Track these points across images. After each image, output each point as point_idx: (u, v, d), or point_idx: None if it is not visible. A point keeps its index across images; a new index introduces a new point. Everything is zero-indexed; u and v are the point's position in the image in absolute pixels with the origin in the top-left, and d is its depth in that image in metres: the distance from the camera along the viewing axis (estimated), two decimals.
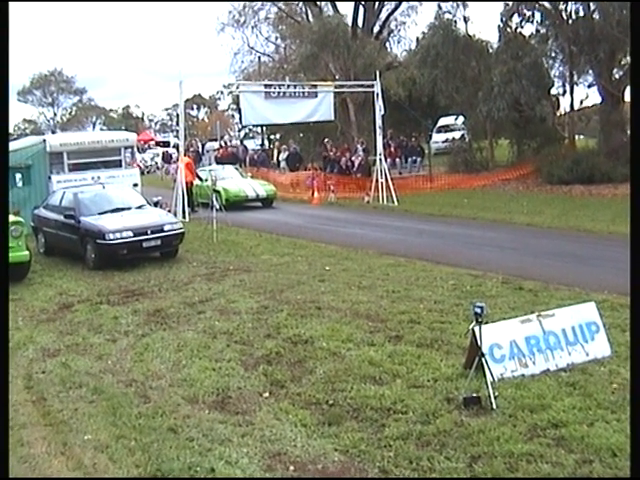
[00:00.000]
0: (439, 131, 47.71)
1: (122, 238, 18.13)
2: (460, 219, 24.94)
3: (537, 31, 35.57)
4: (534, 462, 6.92)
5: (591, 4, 32.23)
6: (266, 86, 31.68)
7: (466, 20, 38.71)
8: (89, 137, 31.36)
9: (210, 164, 42.85)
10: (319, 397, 8.83)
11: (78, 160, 26.27)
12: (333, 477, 7.04)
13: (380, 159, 31.36)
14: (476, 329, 8.55)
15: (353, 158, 38.01)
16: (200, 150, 52.15)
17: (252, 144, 58.47)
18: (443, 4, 40.16)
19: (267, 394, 9.10)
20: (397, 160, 42.17)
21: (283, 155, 43.77)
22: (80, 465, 7.50)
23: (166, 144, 70.47)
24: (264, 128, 54.74)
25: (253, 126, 56.73)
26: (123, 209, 19.66)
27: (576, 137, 38.39)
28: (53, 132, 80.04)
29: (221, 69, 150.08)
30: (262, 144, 55.72)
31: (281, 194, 33.69)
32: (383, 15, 47.66)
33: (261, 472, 7.14)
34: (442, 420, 7.94)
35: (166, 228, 18.84)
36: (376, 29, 46.92)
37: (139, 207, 20.15)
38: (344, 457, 7.33)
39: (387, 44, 50.18)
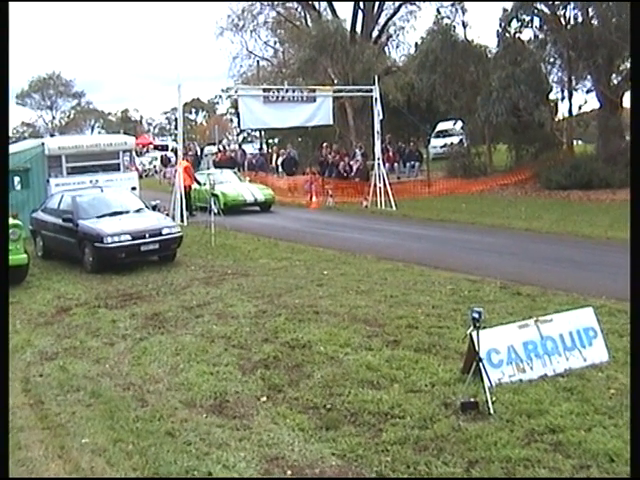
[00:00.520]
0: (437, 136, 47.67)
1: (120, 242, 18.13)
2: (458, 224, 24.94)
3: (536, 36, 35.63)
4: (531, 467, 6.93)
5: (589, 10, 32.25)
6: (265, 90, 31.64)
7: (465, 25, 38.83)
8: (88, 140, 31.31)
9: (208, 168, 42.83)
10: (317, 401, 8.84)
11: (76, 163, 26.25)
12: None
13: (378, 164, 31.40)
14: (474, 334, 8.56)
15: (351, 163, 38.02)
16: (198, 154, 52.15)
17: (250, 148, 58.47)
18: (442, 9, 40.27)
19: (265, 398, 9.10)
20: (395, 165, 42.22)
21: (279, 159, 43.78)
22: (77, 468, 7.49)
23: (164, 148, 70.46)
24: (262, 132, 54.78)
25: (251, 130, 56.74)
26: (121, 213, 19.65)
27: (574, 142, 38.40)
28: (52, 135, 79.89)
29: (220, 73, 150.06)
30: (260, 148, 55.74)
31: (279, 198, 33.68)
32: (382, 20, 47.71)
33: (258, 476, 7.14)
34: (440, 425, 7.94)
35: (164, 232, 18.82)
36: (375, 34, 46.97)
37: (137, 211, 20.15)
38: (341, 461, 7.33)
39: (386, 49, 50.25)
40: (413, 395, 8.84)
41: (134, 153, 31.75)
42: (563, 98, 37.43)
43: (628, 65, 32.63)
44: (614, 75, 33.88)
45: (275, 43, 54.97)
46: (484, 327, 8.87)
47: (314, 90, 31.81)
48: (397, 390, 9.02)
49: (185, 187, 28.09)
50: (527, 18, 34.62)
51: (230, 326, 12.49)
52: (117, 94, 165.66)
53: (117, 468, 7.44)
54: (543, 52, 35.39)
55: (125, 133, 57.96)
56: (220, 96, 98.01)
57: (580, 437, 7.43)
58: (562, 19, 33.87)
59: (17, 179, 24.95)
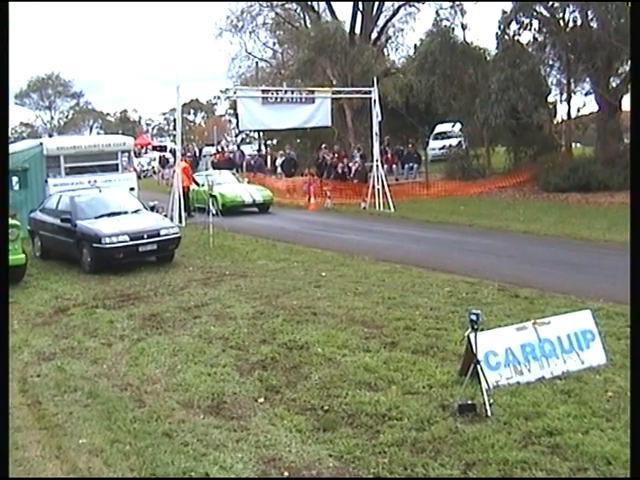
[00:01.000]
0: (436, 138, 47.67)
1: (118, 242, 18.13)
2: (456, 226, 24.95)
3: (535, 39, 35.61)
4: (529, 469, 6.93)
5: (589, 12, 32.27)
6: (263, 91, 31.61)
7: (464, 27, 38.81)
8: (86, 141, 31.36)
9: (207, 169, 42.86)
10: (314, 403, 8.84)
11: (75, 164, 26.26)
12: None
13: (377, 165, 31.38)
14: (471, 336, 8.56)
15: (350, 164, 38.03)
16: (197, 155, 52.16)
17: (249, 149, 58.50)
18: (441, 11, 40.30)
19: (262, 399, 9.10)
20: (394, 166, 42.22)
21: (279, 160, 43.80)
22: (75, 469, 7.49)
23: (163, 148, 70.49)
24: (261, 133, 54.77)
25: (250, 131, 56.74)
26: (119, 213, 19.64)
27: (573, 145, 38.43)
28: (50, 135, 79.96)
29: (218, 74, 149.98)
30: (259, 149, 55.74)
31: (278, 200, 33.70)
32: (381, 21, 47.68)
33: (255, 477, 7.14)
34: (437, 427, 7.94)
35: (162, 233, 18.81)
36: (374, 35, 46.93)
37: (135, 211, 20.15)
38: (339, 463, 7.33)
39: (385, 50, 50.21)
40: (410, 397, 8.84)
41: (132, 154, 31.74)
42: (562, 101, 37.54)
43: (627, 68, 32.67)
44: (613, 78, 33.88)
45: (274, 44, 54.99)
46: (482, 329, 8.88)
47: (313, 91, 31.81)
48: (394, 392, 9.02)
49: (183, 188, 28.09)
50: (526, 20, 34.62)
51: (228, 327, 12.49)
52: (116, 94, 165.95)
53: (114, 469, 7.44)
54: (542, 54, 35.41)
55: (123, 134, 57.92)
56: (219, 97, 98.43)
57: (577, 440, 7.43)
58: (561, 21, 33.89)
59: (15, 179, 24.95)
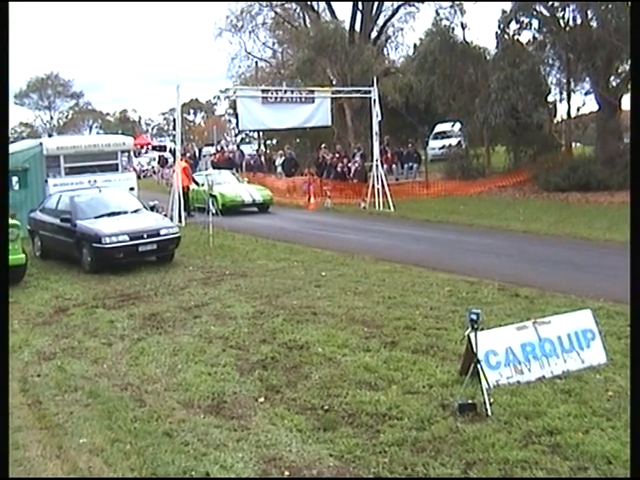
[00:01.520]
0: (436, 137, 47.65)
1: (118, 242, 18.13)
2: (456, 226, 24.95)
3: (534, 38, 35.65)
4: (529, 469, 6.93)
5: (588, 11, 32.28)
6: (263, 91, 31.63)
7: (464, 27, 38.80)
8: (86, 141, 31.33)
9: (207, 169, 42.83)
10: (314, 402, 8.83)
11: (75, 164, 26.26)
12: None
13: (377, 165, 31.37)
14: (472, 336, 8.56)
15: (350, 164, 38.02)
16: (197, 155, 52.14)
17: (249, 149, 58.48)
18: (441, 11, 40.29)
19: (262, 399, 9.10)
20: (394, 166, 42.19)
21: (279, 160, 43.79)
22: (75, 468, 7.49)
23: (162, 148, 70.49)
24: (261, 133, 54.77)
25: (250, 131, 56.73)
26: (119, 213, 19.64)
27: (573, 144, 38.43)
28: (50, 135, 79.90)
29: (218, 74, 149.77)
30: (258, 149, 55.72)
31: (278, 199, 33.70)
32: (381, 21, 47.74)
33: (256, 477, 7.14)
34: (437, 426, 7.94)
35: (162, 232, 18.81)
36: (374, 35, 46.98)
37: (135, 211, 20.15)
38: (339, 462, 7.32)
39: (384, 50, 50.25)
40: (411, 396, 8.84)
41: (132, 153, 31.74)
42: (562, 100, 37.59)
43: (627, 67, 32.69)
44: (613, 77, 33.89)
45: (274, 44, 54.99)
46: (482, 329, 8.88)
47: (312, 91, 31.83)
48: (395, 391, 9.02)
49: (183, 188, 28.08)
50: (526, 20, 34.67)
51: (228, 327, 12.49)
52: (115, 95, 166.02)
53: (115, 468, 7.44)
54: (542, 54, 35.43)
55: (123, 134, 57.90)
56: (218, 97, 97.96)
57: (578, 439, 7.43)
58: (561, 21, 33.89)
59: (15, 179, 24.96)
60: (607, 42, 30.42)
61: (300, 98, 30.72)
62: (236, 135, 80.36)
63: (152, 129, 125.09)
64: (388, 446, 7.56)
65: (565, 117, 37.32)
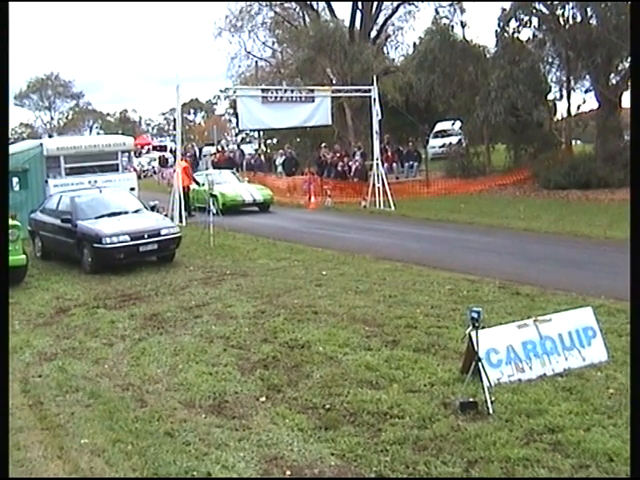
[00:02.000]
0: (436, 136, 47.63)
1: (119, 242, 18.13)
2: (457, 224, 24.95)
3: (534, 36, 35.61)
4: (531, 467, 6.93)
5: (588, 9, 32.26)
6: (263, 90, 31.65)
7: (463, 25, 38.81)
8: (86, 141, 31.37)
9: (207, 168, 42.83)
10: (316, 401, 8.84)
11: (75, 164, 26.26)
12: None
13: (377, 164, 31.36)
14: (473, 334, 8.56)
15: (350, 163, 38.01)
16: (197, 154, 52.15)
17: (249, 149, 58.48)
18: (440, 9, 40.29)
19: (264, 398, 9.10)
20: (394, 165, 42.19)
21: (280, 160, 43.80)
22: (77, 469, 7.49)
23: (163, 148, 70.52)
24: (261, 133, 54.77)
25: (250, 131, 56.71)
26: (120, 213, 19.64)
27: (573, 142, 38.39)
28: (50, 136, 79.91)
29: (218, 74, 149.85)
30: (258, 149, 55.71)
31: (278, 199, 33.68)
32: (380, 20, 47.72)
33: (258, 476, 7.14)
34: (439, 425, 7.94)
35: (163, 232, 18.81)
36: (373, 34, 46.95)
37: (136, 211, 20.15)
38: (341, 461, 7.32)
39: (384, 49, 50.24)
40: (412, 395, 8.84)
41: (132, 154, 31.74)
42: (562, 98, 37.49)
43: (627, 65, 32.67)
44: (613, 75, 33.85)
45: (273, 43, 54.92)
46: (483, 327, 8.88)
47: (312, 90, 31.82)
48: (396, 390, 9.02)
49: (184, 188, 28.08)
50: (526, 18, 34.62)
51: (229, 326, 12.50)
52: (116, 95, 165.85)
53: (116, 468, 7.44)
54: (542, 52, 35.42)
55: (123, 134, 57.95)
56: (218, 96, 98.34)
57: (579, 437, 7.44)
58: (561, 19, 33.86)
59: (15, 180, 24.96)
60: (607, 40, 30.41)
61: (300, 97, 30.71)
62: (236, 135, 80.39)
63: (152, 129, 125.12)
64: (390, 445, 7.56)
65: (565, 115, 37.26)
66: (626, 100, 33.06)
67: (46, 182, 25.63)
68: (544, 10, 34.21)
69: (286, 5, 51.57)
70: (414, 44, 43.75)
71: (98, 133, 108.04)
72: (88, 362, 11.11)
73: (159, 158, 59.97)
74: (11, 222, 16.55)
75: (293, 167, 41.54)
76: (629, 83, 31.80)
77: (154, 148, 77.40)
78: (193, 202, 29.81)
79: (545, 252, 18.66)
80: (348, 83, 38.25)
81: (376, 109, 31.24)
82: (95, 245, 18.17)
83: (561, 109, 38.13)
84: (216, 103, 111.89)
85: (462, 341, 9.76)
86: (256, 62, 55.28)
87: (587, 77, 35.07)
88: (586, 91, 36.41)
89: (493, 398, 8.33)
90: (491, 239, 21.27)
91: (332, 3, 46.93)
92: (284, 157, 43.21)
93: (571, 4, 33.15)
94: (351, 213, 30.33)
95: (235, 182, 33.02)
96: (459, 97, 37.98)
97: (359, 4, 45.02)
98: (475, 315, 8.44)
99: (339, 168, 37.80)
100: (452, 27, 38.34)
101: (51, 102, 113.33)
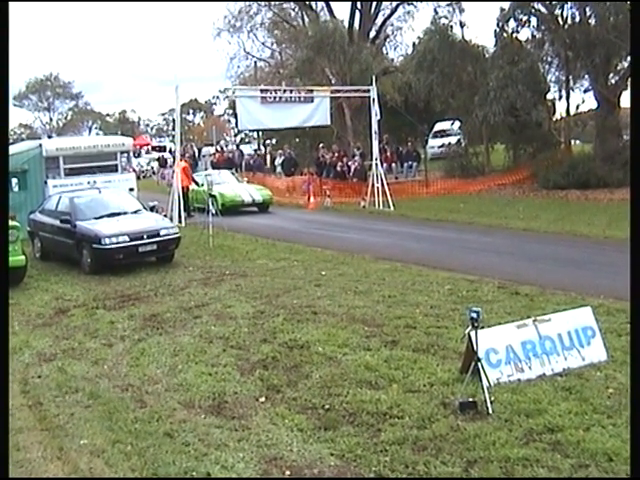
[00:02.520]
0: (435, 136, 47.67)
1: (118, 243, 18.12)
2: (456, 224, 24.95)
3: (533, 36, 35.65)
4: (530, 467, 6.93)
5: (587, 9, 32.28)
6: (262, 91, 31.62)
7: (462, 25, 38.88)
8: (85, 142, 31.36)
9: (206, 169, 42.83)
10: (315, 402, 8.84)
11: (74, 165, 26.25)
12: None
13: (376, 164, 31.36)
14: (472, 334, 8.56)
15: (349, 163, 38.01)
16: (196, 155, 52.12)
17: (248, 149, 58.47)
18: (439, 9, 40.34)
19: (263, 399, 9.10)
20: (393, 165, 42.19)
21: (279, 160, 43.81)
22: (76, 469, 7.49)
23: (162, 149, 70.50)
24: (260, 133, 54.75)
25: (249, 131, 56.70)
26: (119, 214, 19.64)
27: (572, 142, 38.41)
28: (49, 137, 79.81)
29: (217, 74, 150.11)
30: (258, 149, 55.70)
31: (277, 199, 33.67)
32: (379, 20, 47.70)
33: (257, 477, 7.14)
34: (438, 425, 7.94)
35: (162, 233, 18.81)
36: (372, 34, 46.94)
37: (135, 212, 20.14)
38: (340, 462, 7.33)
39: (383, 49, 50.25)
40: (412, 395, 8.84)
41: (132, 154, 31.72)
42: (560, 97, 37.57)
43: (625, 64, 32.71)
44: (611, 74, 33.87)
45: (272, 44, 54.89)
46: (482, 327, 8.88)
47: (311, 90, 31.79)
48: (396, 390, 9.02)
49: (183, 188, 28.07)
50: (524, 18, 34.66)
51: (228, 327, 12.50)
52: (115, 95, 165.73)
53: (116, 469, 7.44)
54: (540, 52, 35.44)
55: (122, 134, 57.92)
56: (218, 97, 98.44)
57: (579, 436, 7.44)
58: (559, 18, 33.90)
59: (15, 180, 24.96)
60: (606, 40, 30.42)
61: (299, 98, 30.70)
62: (235, 135, 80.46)
63: (151, 129, 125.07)
64: (389, 445, 7.57)
65: (564, 115, 37.29)
66: (625, 100, 33.12)
67: (45, 183, 25.61)
68: (543, 10, 34.25)
69: (285, 5, 51.54)
70: (413, 44, 43.80)
71: (97, 134, 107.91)
72: (87, 363, 11.11)
73: (158, 158, 59.93)
74: (10, 223, 16.51)
75: (292, 167, 41.54)
76: (628, 83, 31.91)
77: (153, 148, 77.40)
78: (192, 202, 29.80)
79: (544, 252, 18.67)
80: (347, 83, 38.23)
81: (375, 109, 31.25)
82: (94, 246, 18.16)
83: (560, 109, 38.23)
84: (215, 103, 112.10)
85: (461, 341, 9.76)
86: (255, 62, 55.25)
87: (586, 77, 35.11)
88: (585, 91, 36.46)
89: (492, 398, 8.33)
90: (490, 239, 21.28)
91: (331, 3, 46.97)
92: (283, 157, 43.21)
93: (570, 4, 33.20)
94: (350, 213, 30.33)
95: (234, 182, 32.99)
96: (458, 97, 38.00)
97: (358, 4, 45.01)
98: (474, 315, 8.45)
99: (338, 168, 37.79)
100: (451, 27, 38.39)
101: (50, 103, 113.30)
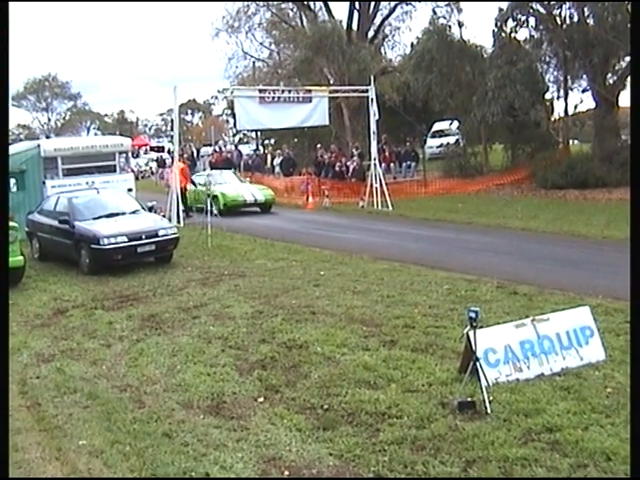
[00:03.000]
0: (434, 136, 47.71)
1: (116, 243, 18.11)
2: (455, 224, 24.96)
3: (531, 36, 35.68)
4: (529, 466, 6.93)
5: (585, 9, 32.29)
6: (260, 91, 31.62)
7: (460, 25, 38.96)
8: (83, 142, 31.27)
9: (205, 169, 42.81)
10: (314, 402, 8.83)
11: (72, 165, 26.21)
12: None
13: (375, 164, 31.38)
14: (470, 334, 8.56)
15: (348, 163, 38.01)
16: (195, 155, 52.10)
17: (247, 149, 58.45)
18: (438, 9, 40.37)
19: (262, 399, 9.10)
20: (392, 165, 42.19)
21: (277, 160, 43.80)
22: (75, 470, 7.49)
23: (161, 149, 70.51)
24: (258, 133, 54.73)
25: (248, 131, 56.68)
26: (117, 214, 19.63)
27: (570, 142, 38.48)
28: (47, 137, 79.75)
29: (215, 74, 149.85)
30: (256, 149, 55.67)
31: (276, 199, 33.61)
32: (377, 20, 47.64)
33: (256, 477, 7.14)
34: (437, 424, 7.94)
35: (160, 233, 18.81)
36: (371, 34, 46.90)
37: (133, 212, 20.13)
38: (339, 462, 7.32)
39: (381, 49, 50.20)
40: (410, 395, 8.84)
41: (130, 154, 31.69)
42: (559, 97, 37.62)
43: (624, 64, 32.74)
44: (610, 74, 33.90)
45: (270, 44, 54.82)
46: (481, 327, 8.88)
47: (310, 90, 31.79)
48: (394, 390, 9.02)
49: (181, 188, 28.06)
50: (523, 18, 34.68)
51: (227, 327, 12.49)
52: (113, 96, 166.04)
53: (114, 470, 7.44)
54: (539, 52, 35.45)
55: (121, 134, 57.94)
56: (216, 97, 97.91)
57: (577, 436, 7.44)
58: (558, 18, 33.93)
59: (13, 181, 24.90)
60: (604, 39, 30.44)
61: (298, 98, 30.71)
62: (234, 135, 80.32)
63: (150, 130, 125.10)
64: (388, 445, 7.56)
65: (562, 115, 37.34)
66: (623, 100, 33.16)
67: (43, 183, 25.58)
68: (541, 10, 34.27)
69: (283, 6, 51.46)
70: (411, 44, 43.88)
71: (96, 134, 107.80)
72: (86, 363, 11.10)
73: (157, 159, 59.93)
74: (9, 223, 16.53)
75: (291, 167, 41.57)
76: (626, 82, 31.98)
77: (152, 149, 77.43)
78: (192, 202, 29.79)
79: (543, 252, 18.67)
80: (345, 83, 38.24)
81: (373, 109, 31.29)
82: (93, 246, 18.15)
83: (558, 109, 38.30)
84: (214, 104, 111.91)
85: (460, 341, 9.76)
86: (253, 62, 55.20)
87: (584, 77, 35.14)
88: (583, 91, 36.48)
89: (491, 398, 8.33)
90: (489, 239, 21.28)
91: (329, 3, 46.93)
92: (282, 157, 43.21)
93: (568, 4, 33.23)
94: (349, 213, 30.33)
95: (236, 182, 32.91)
96: (456, 97, 38.04)
97: (356, 4, 44.99)
98: (473, 315, 8.45)
99: (337, 168, 37.80)
100: (449, 27, 38.47)
101: (48, 103, 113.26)
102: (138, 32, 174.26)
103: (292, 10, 51.71)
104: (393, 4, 47.59)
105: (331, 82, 42.54)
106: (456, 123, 42.04)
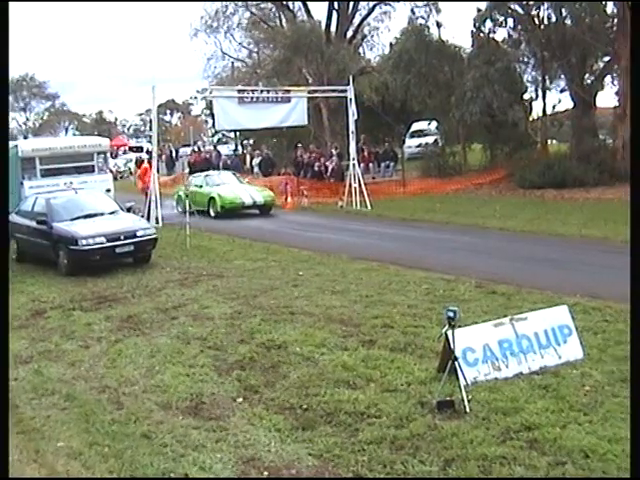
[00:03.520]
0: (412, 136, 47.77)
1: (95, 244, 18.02)
2: (433, 224, 25.00)
3: (509, 36, 35.87)
4: (507, 465, 6.96)
5: (563, 10, 32.47)
6: (239, 91, 31.57)
7: (439, 25, 39.04)
8: (61, 142, 31.17)
9: (183, 170, 42.67)
10: (293, 402, 8.83)
11: (50, 165, 26.09)
12: None
13: (353, 164, 31.40)
14: (449, 333, 8.58)
15: (327, 163, 38.01)
16: (173, 155, 51.98)
17: (226, 149, 58.37)
18: (416, 10, 40.44)
19: (241, 399, 9.09)
20: (370, 165, 42.26)
21: (256, 160, 43.74)
22: (53, 472, 7.46)
23: (139, 149, 70.24)
24: (237, 133, 54.66)
25: (227, 131, 56.61)
26: (96, 215, 19.55)
27: (548, 142, 38.60)
28: (25, 137, 79.37)
29: (194, 74, 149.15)
30: (235, 149, 55.61)
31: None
32: (356, 20, 47.65)
33: (235, 477, 7.14)
34: (416, 424, 7.96)
35: (139, 234, 18.74)
36: (349, 34, 46.92)
37: (112, 213, 20.05)
38: (318, 462, 7.33)
39: (360, 49, 50.32)
40: (389, 394, 8.85)
41: (108, 155, 31.56)
42: (537, 97, 37.78)
43: (601, 65, 32.97)
44: (587, 75, 34.13)
45: (249, 44, 54.90)
46: (459, 326, 8.89)
47: (289, 91, 31.77)
48: (373, 390, 9.03)
49: (144, 189, 27.95)
50: (501, 18, 34.86)
51: (205, 327, 12.46)
52: (91, 96, 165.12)
53: (93, 471, 7.41)
54: (517, 52, 35.68)
55: (99, 135, 57.69)
56: (195, 97, 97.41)
57: (555, 434, 7.47)
58: (536, 19, 34.13)
59: None
60: (581, 40, 30.66)
61: (276, 98, 30.65)
62: (213, 135, 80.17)
63: (128, 130, 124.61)
64: (367, 444, 7.57)
65: (540, 115, 37.53)
66: (600, 100, 33.37)
67: (21, 184, 25.43)
68: (519, 10, 34.46)
69: (262, 6, 51.45)
70: (390, 44, 43.96)
71: (74, 134, 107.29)
72: (64, 365, 11.05)
73: (135, 159, 59.73)
74: None
75: (270, 168, 41.48)
76: (604, 83, 32.21)
77: (130, 149, 77.09)
78: (184, 204, 29.56)
79: (521, 251, 18.74)
80: (324, 83, 38.24)
81: (352, 109, 31.27)
82: (71, 247, 18.07)
83: (536, 109, 38.49)
84: (192, 104, 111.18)
85: (438, 340, 9.76)
86: (232, 63, 55.24)
87: (562, 77, 35.35)
88: (561, 91, 36.74)
89: (470, 397, 8.36)
90: (467, 238, 21.32)
91: (308, 3, 46.91)
92: (260, 158, 43.14)
93: (546, 4, 33.38)
94: (327, 213, 30.32)
95: (235, 183, 32.04)
96: (435, 97, 38.12)
97: (335, 4, 44.98)
98: (451, 314, 8.46)
99: (316, 168, 37.80)
100: (428, 27, 38.58)
101: (26, 103, 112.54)
102: (116, 32, 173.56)
103: (271, 10, 51.71)
104: (372, 4, 47.63)
105: (310, 82, 42.55)
106: (435, 123, 42.17)
